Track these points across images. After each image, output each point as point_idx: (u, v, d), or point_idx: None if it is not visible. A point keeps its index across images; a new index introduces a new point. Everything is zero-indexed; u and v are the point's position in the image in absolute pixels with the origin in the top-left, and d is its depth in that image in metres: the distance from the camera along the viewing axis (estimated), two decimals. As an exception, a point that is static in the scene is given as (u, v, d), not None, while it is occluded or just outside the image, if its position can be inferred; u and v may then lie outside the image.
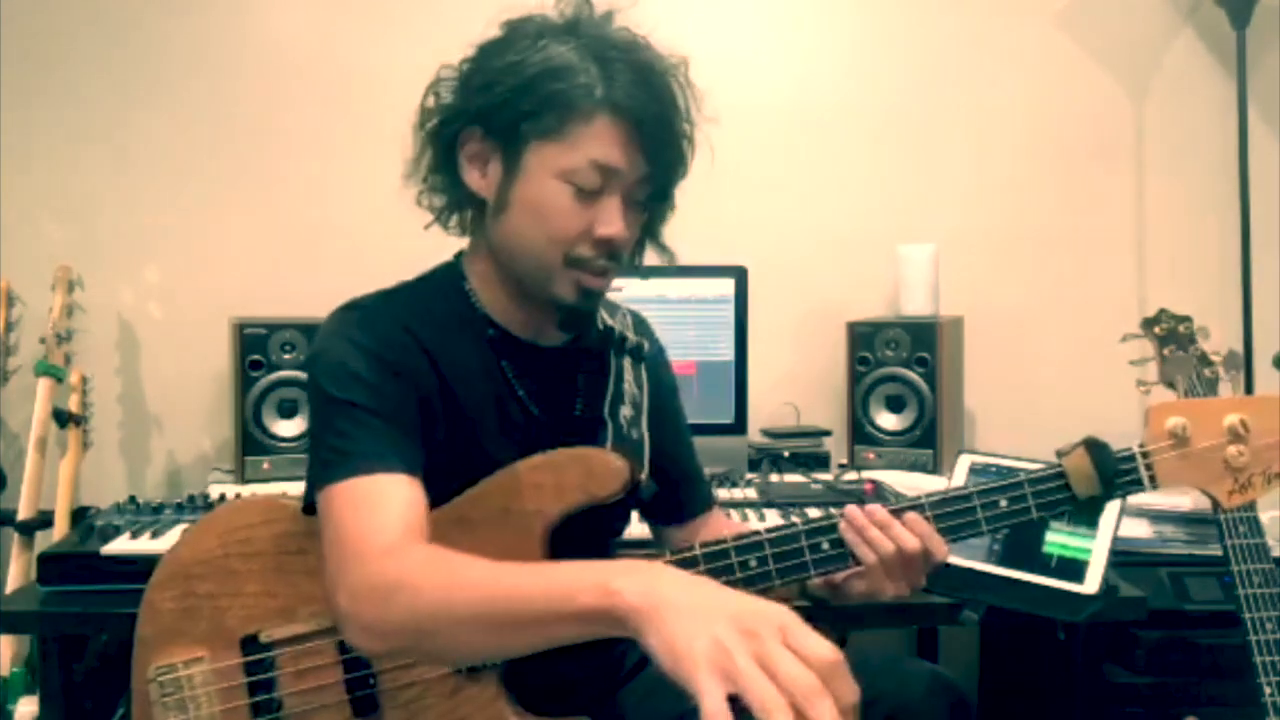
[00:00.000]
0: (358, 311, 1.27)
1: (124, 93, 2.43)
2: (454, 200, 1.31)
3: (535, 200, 1.22)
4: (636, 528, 1.49)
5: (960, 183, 2.52)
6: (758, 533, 1.21)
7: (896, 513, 1.21)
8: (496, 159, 1.24)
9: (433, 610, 1.06)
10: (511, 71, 1.21)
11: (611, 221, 1.22)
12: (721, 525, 1.54)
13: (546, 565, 1.09)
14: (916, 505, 1.22)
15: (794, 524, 1.22)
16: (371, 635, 1.11)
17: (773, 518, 1.82)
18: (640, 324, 1.49)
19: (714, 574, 1.20)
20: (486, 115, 1.23)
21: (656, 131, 1.22)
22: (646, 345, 1.44)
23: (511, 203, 1.24)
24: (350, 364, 1.21)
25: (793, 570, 1.21)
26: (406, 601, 1.06)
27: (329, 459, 1.18)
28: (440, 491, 1.24)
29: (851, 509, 1.21)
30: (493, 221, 1.26)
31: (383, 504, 1.14)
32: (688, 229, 1.35)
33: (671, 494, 1.47)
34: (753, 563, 1.20)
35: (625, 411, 1.39)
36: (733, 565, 1.20)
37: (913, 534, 1.19)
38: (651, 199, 1.28)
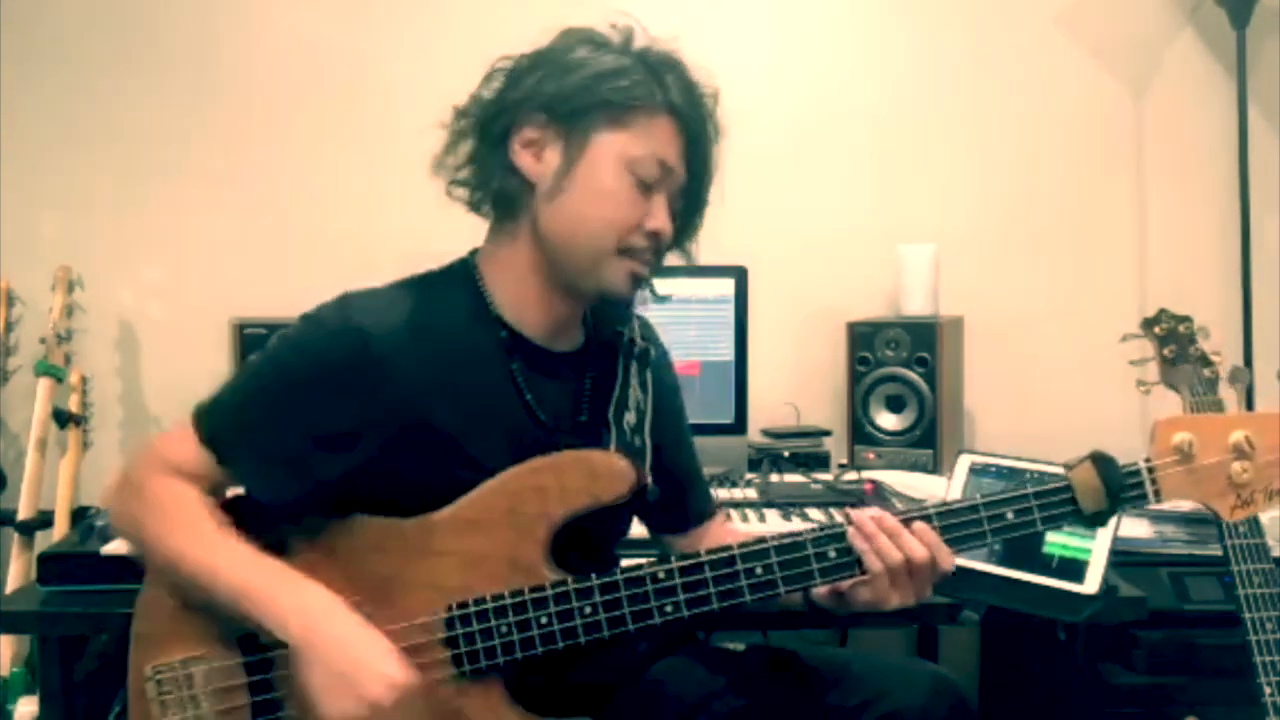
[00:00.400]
0: (352, 308, 1.26)
1: (125, 92, 2.42)
2: (497, 189, 1.30)
3: (599, 185, 1.26)
4: (637, 527, 1.49)
5: (960, 183, 2.52)
6: (764, 540, 1.22)
7: (905, 521, 1.21)
8: (557, 145, 1.27)
9: (155, 537, 1.24)
10: (581, 65, 1.26)
11: (661, 216, 1.28)
12: (725, 533, 1.53)
13: (267, 567, 1.21)
14: (924, 515, 1.22)
15: (800, 531, 1.22)
16: (112, 509, 1.31)
17: (772, 517, 1.82)
18: (645, 327, 1.49)
19: (720, 580, 1.21)
20: (554, 101, 1.26)
21: (700, 145, 1.30)
22: (653, 351, 1.45)
23: (570, 188, 1.26)
24: (291, 374, 1.25)
25: (799, 579, 1.22)
26: (148, 517, 1.24)
27: (220, 410, 1.27)
28: (435, 492, 1.25)
29: (860, 516, 1.21)
30: (545, 206, 1.28)
31: (204, 462, 1.25)
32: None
33: (673, 501, 1.47)
34: (759, 570, 1.20)
35: (629, 418, 1.39)
36: (739, 572, 1.20)
37: (921, 543, 1.20)
38: (684, 210, 1.33)
